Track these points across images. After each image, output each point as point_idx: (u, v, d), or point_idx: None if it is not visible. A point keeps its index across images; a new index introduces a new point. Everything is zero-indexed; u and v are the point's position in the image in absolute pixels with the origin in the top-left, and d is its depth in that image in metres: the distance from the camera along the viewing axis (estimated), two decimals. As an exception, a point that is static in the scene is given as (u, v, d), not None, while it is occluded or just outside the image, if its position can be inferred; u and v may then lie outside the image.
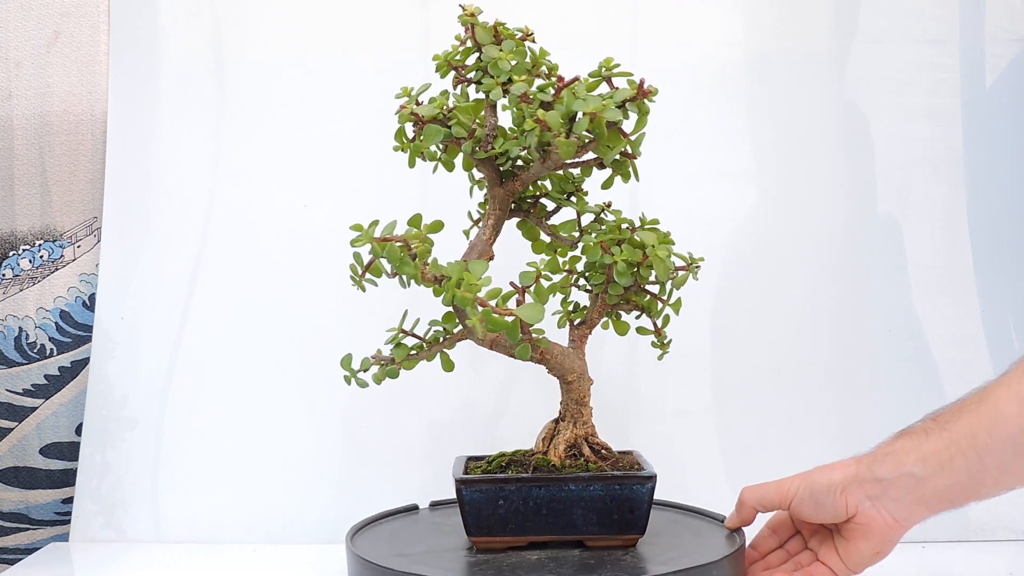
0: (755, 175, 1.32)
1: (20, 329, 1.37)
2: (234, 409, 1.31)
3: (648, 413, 1.29)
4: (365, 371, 0.97)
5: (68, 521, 1.32)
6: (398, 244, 0.87)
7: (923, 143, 1.31)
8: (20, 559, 1.26)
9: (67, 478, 1.35)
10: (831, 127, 1.32)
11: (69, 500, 1.34)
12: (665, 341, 1.01)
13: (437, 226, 0.90)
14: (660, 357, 1.02)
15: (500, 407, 1.29)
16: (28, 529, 1.37)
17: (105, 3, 1.37)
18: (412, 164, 0.97)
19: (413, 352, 0.96)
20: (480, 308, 0.86)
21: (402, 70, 1.33)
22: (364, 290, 0.91)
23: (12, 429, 1.36)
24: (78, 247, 1.37)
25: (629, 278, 0.95)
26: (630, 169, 0.93)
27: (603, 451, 1.00)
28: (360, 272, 0.89)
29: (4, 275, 1.37)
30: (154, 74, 1.36)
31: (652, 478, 0.95)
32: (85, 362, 1.35)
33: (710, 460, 1.27)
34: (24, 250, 1.37)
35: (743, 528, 1.02)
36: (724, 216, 1.31)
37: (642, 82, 0.87)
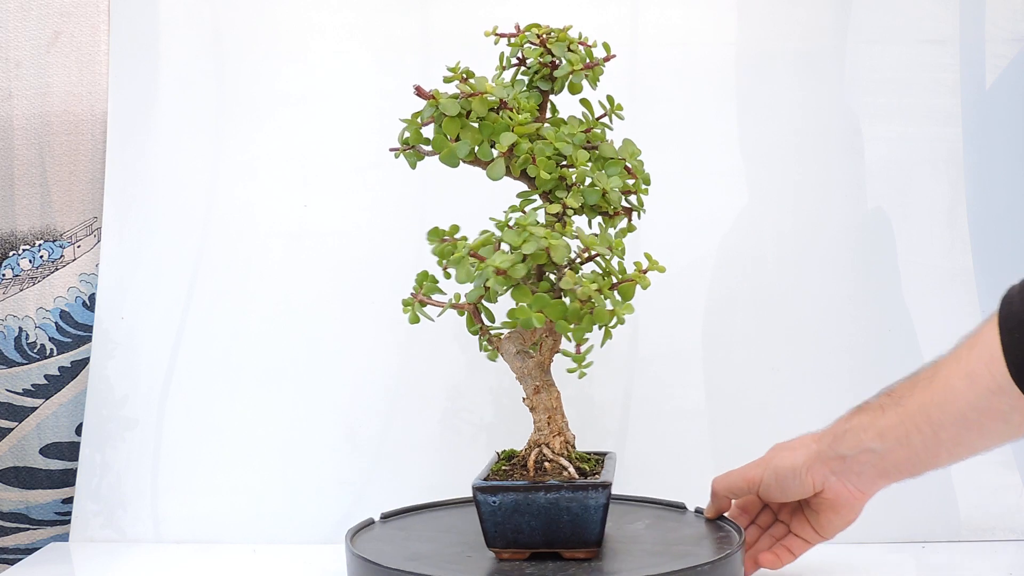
0: (753, 175, 1.32)
1: (20, 329, 1.37)
2: (234, 409, 1.31)
3: (646, 413, 1.29)
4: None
5: (68, 521, 1.32)
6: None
7: (923, 143, 1.31)
8: (20, 559, 1.26)
9: (67, 478, 1.35)
10: (830, 127, 1.32)
11: (69, 500, 1.34)
12: (584, 363, 0.90)
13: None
14: (574, 371, 0.91)
15: (504, 407, 1.29)
16: (28, 529, 1.37)
17: (105, 3, 1.37)
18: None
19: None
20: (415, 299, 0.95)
21: (402, 70, 1.33)
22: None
23: (12, 429, 1.36)
24: (78, 247, 1.37)
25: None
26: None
27: (546, 463, 0.96)
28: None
29: (4, 275, 1.37)
30: (154, 74, 1.36)
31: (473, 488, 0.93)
32: (85, 362, 1.35)
33: (708, 459, 1.27)
34: (24, 250, 1.37)
35: (741, 527, 1.02)
36: (722, 216, 1.31)
37: (418, 88, 0.93)
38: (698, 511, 1.09)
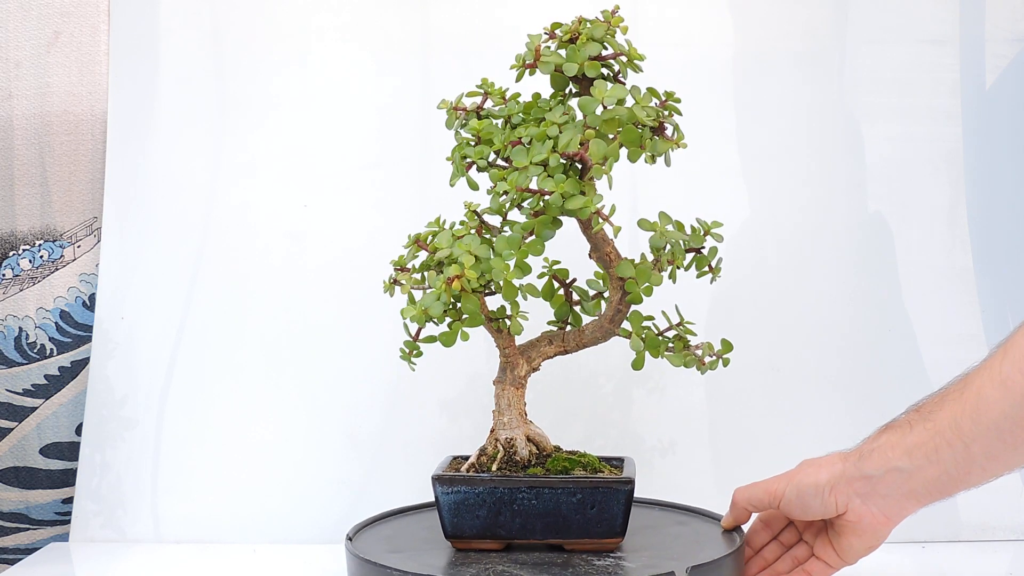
0: (753, 175, 1.32)
1: (20, 329, 1.37)
2: (234, 409, 1.31)
3: (647, 413, 1.29)
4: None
5: (68, 521, 1.32)
6: None
7: (923, 143, 1.31)
8: (20, 559, 1.26)
9: (67, 478, 1.35)
10: (830, 127, 1.32)
11: (69, 500, 1.35)
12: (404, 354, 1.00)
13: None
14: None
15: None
16: (28, 529, 1.37)
17: (105, 3, 1.37)
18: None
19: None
20: None
21: (402, 70, 1.33)
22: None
23: (12, 429, 1.36)
24: (78, 247, 1.37)
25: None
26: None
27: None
28: None
29: (4, 275, 1.37)
30: (154, 74, 1.36)
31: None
32: (85, 362, 1.35)
33: (707, 460, 1.27)
34: (24, 250, 1.37)
35: (762, 542, 1.02)
36: (722, 216, 1.31)
37: None
38: (696, 510, 1.09)
